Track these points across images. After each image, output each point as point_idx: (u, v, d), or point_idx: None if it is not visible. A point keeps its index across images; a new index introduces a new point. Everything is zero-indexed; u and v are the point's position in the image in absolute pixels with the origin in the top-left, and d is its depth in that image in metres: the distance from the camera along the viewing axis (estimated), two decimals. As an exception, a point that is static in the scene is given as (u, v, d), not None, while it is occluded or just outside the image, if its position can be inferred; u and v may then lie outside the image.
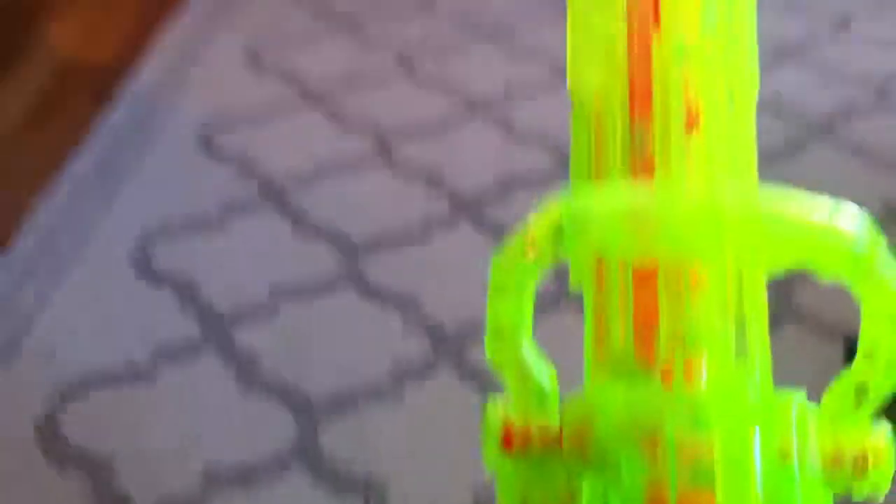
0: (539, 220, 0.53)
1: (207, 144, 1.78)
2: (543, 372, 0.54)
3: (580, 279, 0.63)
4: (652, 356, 0.55)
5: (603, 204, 0.54)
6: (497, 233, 1.56)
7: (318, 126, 1.85)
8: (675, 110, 0.62)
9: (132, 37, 2.12)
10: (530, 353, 0.54)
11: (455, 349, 1.34)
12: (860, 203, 1.72)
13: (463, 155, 1.78)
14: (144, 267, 1.50)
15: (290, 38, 2.12)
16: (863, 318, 0.52)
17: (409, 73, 2.02)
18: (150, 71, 1.98)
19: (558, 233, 0.52)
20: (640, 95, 0.61)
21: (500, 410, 0.55)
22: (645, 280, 0.56)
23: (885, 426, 0.54)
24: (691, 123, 0.62)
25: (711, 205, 0.53)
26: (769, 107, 1.99)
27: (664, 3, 0.64)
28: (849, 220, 0.52)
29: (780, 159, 1.83)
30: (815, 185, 1.76)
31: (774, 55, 2.16)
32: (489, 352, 0.54)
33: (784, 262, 0.52)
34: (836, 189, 1.75)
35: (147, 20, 2.18)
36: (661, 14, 0.64)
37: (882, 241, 0.51)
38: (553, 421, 0.54)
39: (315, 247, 1.54)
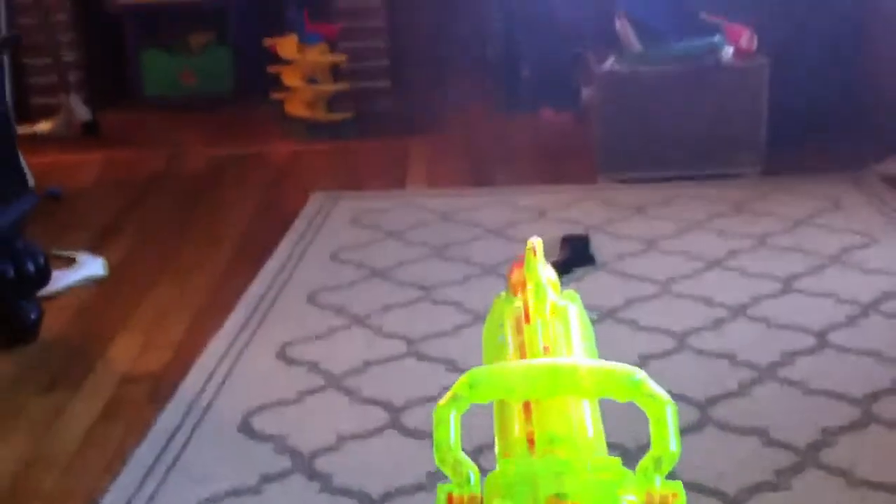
0: (460, 381, 0.94)
1: (247, 428, 2.11)
2: (469, 465, 0.92)
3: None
4: (533, 448, 0.93)
5: (499, 371, 0.96)
6: (492, 480, 1.86)
7: (340, 405, 2.19)
8: (536, 346, 1.06)
9: (183, 346, 2.51)
10: (460, 456, 0.91)
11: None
12: (801, 429, 2.01)
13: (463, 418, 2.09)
14: (198, 531, 1.79)
15: (315, 335, 2.50)
16: (650, 420, 0.89)
17: (415, 355, 2.38)
18: (197, 372, 2.35)
19: (470, 386, 0.92)
20: (520, 346, 1.05)
21: (446, 489, 0.92)
22: (526, 409, 0.97)
23: (677, 481, 0.91)
24: (546, 350, 1.04)
25: (553, 371, 0.95)
26: (724, 357, 2.32)
27: (531, 315, 1.12)
28: (630, 370, 0.92)
29: (733, 399, 2.14)
30: (763, 418, 2.05)
31: (725, 314, 2.52)
32: (437, 458, 0.92)
33: (599, 393, 0.93)
34: (781, 420, 2.04)
35: (195, 330, 2.58)
36: (530, 316, 1.12)
37: (645, 378, 0.90)
38: (478, 491, 0.91)
39: (339, 503, 1.84)
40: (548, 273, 1.21)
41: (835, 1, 3.64)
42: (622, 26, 3.57)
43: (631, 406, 0.92)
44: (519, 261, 1.23)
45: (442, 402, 0.92)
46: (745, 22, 3.51)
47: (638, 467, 0.89)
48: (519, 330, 1.14)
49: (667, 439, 0.87)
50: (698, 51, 3.45)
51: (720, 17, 3.56)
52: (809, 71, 3.58)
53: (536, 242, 1.20)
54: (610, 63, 3.53)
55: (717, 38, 3.45)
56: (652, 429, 0.89)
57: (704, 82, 3.44)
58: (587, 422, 0.98)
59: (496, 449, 1.04)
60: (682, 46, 3.48)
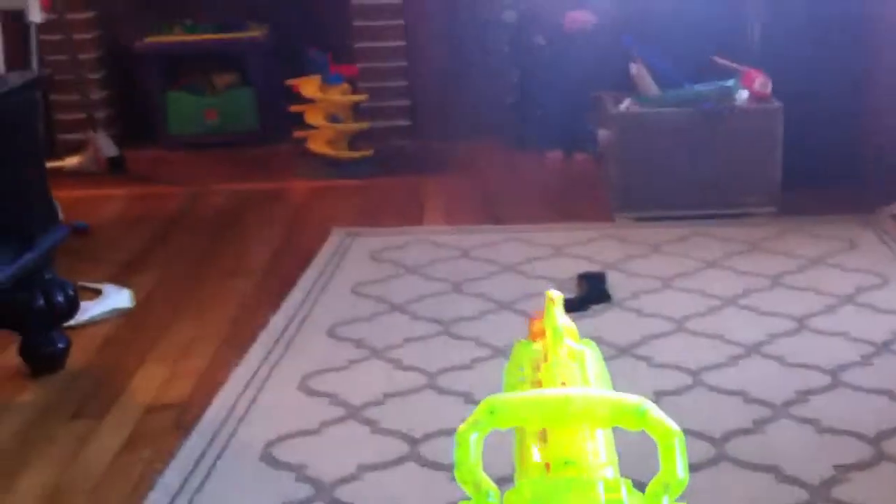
0: (480, 407, 1.00)
1: (269, 457, 2.16)
2: (488, 484, 0.98)
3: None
4: (549, 467, 1.01)
5: (516, 399, 1.04)
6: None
7: (360, 436, 2.23)
8: (554, 381, 1.13)
9: (206, 376, 2.56)
10: (480, 475, 0.98)
11: None
12: (814, 466, 2.04)
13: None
14: (222, 556, 1.83)
15: (336, 368, 2.55)
16: (659, 448, 0.95)
17: (434, 388, 2.43)
18: (221, 402, 2.40)
19: (490, 412, 0.99)
20: (538, 383, 1.14)
21: None
22: (543, 434, 1.05)
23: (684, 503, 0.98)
24: (563, 385, 1.11)
25: (566, 400, 1.01)
26: (738, 394, 2.35)
27: (548, 355, 1.20)
28: (638, 400, 0.98)
29: (747, 436, 2.17)
30: (776, 455, 2.08)
31: (739, 351, 2.55)
32: (458, 477, 0.99)
33: (610, 422, 1.00)
34: (794, 457, 2.07)
35: (219, 361, 2.63)
36: (548, 357, 1.20)
37: (653, 409, 0.96)
38: None
39: (359, 531, 1.88)
40: (565, 321, 1.29)
41: (848, 47, 3.70)
42: (638, 70, 3.65)
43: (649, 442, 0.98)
44: (539, 312, 1.31)
45: (463, 426, 0.99)
46: (759, 66, 3.58)
47: (647, 490, 0.95)
48: (537, 369, 1.21)
49: (675, 466, 0.94)
50: (713, 94, 3.52)
51: (735, 61, 3.63)
52: (823, 114, 3.64)
53: (556, 295, 1.29)
54: (626, 105, 3.60)
55: (731, 83, 3.52)
56: (661, 456, 0.95)
57: (719, 125, 3.50)
58: (600, 447, 1.04)
59: (515, 472, 1.10)
60: (698, 90, 3.55)
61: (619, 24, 4.06)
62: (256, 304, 3.00)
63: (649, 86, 3.64)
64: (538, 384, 1.18)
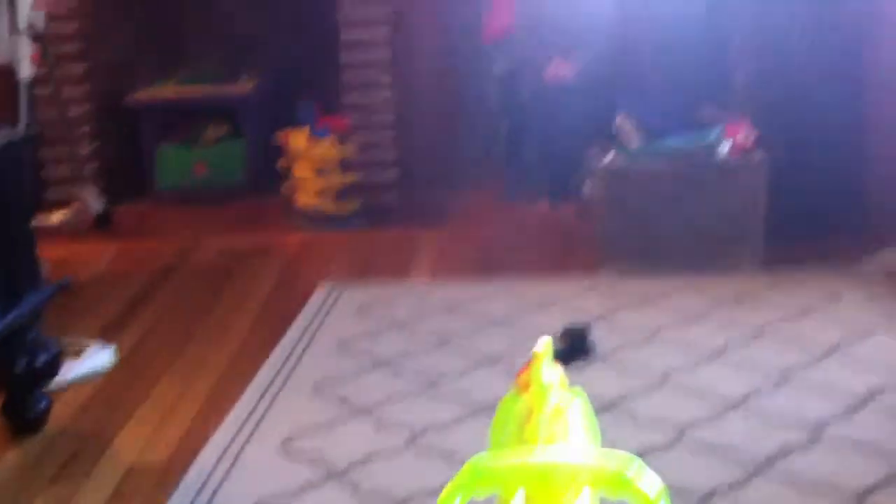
0: (463, 471, 1.04)
1: (250, 519, 2.15)
2: None
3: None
4: None
5: (498, 464, 1.05)
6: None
7: (340, 499, 2.21)
8: (537, 442, 1.16)
9: (189, 436, 2.54)
10: None
11: None
12: (796, 524, 2.03)
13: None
14: None
15: (318, 427, 2.54)
16: None
17: (418, 446, 2.42)
18: (202, 463, 2.39)
19: (473, 477, 1.02)
20: (523, 441, 1.16)
21: None
22: (527, 498, 1.06)
23: None
24: (549, 441, 1.14)
25: (549, 467, 1.04)
26: (722, 449, 2.34)
27: (533, 412, 1.18)
28: (621, 466, 0.99)
29: (731, 492, 2.16)
30: (758, 512, 2.08)
31: (723, 406, 2.55)
32: None
33: (592, 489, 1.03)
34: (776, 515, 2.07)
35: (202, 421, 2.62)
36: (532, 414, 1.19)
37: (637, 475, 0.96)
38: None
39: None
40: (554, 373, 1.29)
41: (832, 98, 3.74)
42: (622, 123, 3.68)
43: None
44: (528, 362, 1.32)
45: (445, 491, 1.01)
46: (743, 118, 3.61)
47: None
48: (523, 426, 1.21)
49: None
50: (696, 146, 3.54)
51: (719, 113, 3.66)
52: (807, 166, 3.67)
53: (544, 343, 1.30)
54: (610, 158, 3.62)
55: (714, 135, 3.54)
56: None
57: (703, 177, 3.52)
58: None
59: None
60: (680, 142, 3.58)
61: (603, 77, 4.09)
62: (241, 360, 3.00)
63: (632, 138, 3.66)
64: (523, 443, 1.19)
